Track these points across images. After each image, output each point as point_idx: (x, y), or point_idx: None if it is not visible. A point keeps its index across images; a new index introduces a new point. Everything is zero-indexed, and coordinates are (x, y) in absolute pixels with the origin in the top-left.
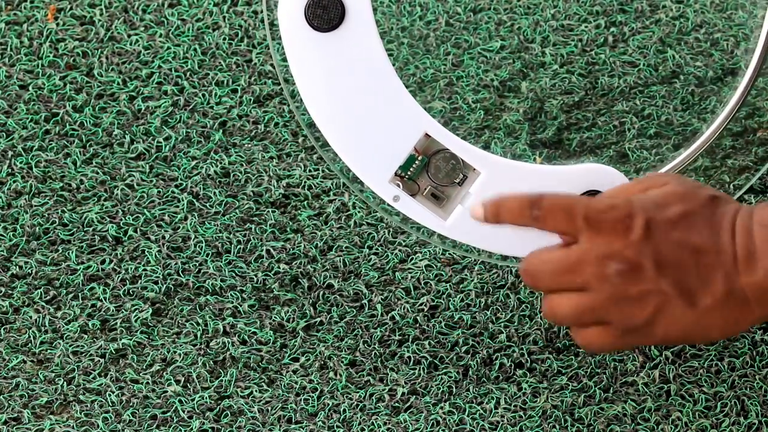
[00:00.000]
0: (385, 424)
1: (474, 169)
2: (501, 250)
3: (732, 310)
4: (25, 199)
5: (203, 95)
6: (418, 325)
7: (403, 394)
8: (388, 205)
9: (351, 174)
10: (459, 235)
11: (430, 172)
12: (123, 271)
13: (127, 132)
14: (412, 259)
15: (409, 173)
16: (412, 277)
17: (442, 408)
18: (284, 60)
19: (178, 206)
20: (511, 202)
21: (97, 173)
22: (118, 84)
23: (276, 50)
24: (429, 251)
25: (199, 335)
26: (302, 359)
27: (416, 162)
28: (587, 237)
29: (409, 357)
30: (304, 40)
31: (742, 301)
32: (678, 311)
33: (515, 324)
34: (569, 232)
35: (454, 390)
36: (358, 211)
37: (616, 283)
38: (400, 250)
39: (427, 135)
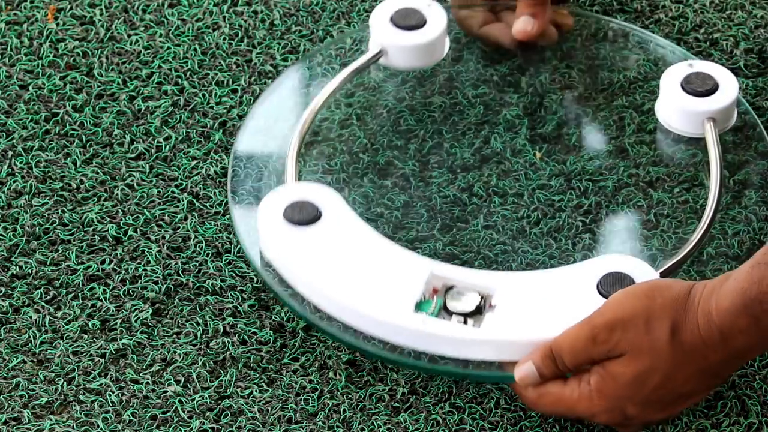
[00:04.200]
0: (385, 424)
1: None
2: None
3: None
4: (25, 199)
5: (203, 95)
6: None
7: (403, 394)
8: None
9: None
10: (496, 335)
11: (449, 306)
12: (123, 271)
13: (127, 132)
14: None
15: (429, 313)
16: None
17: (442, 408)
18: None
19: (178, 206)
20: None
21: (97, 173)
22: (118, 84)
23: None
24: (429, 249)
25: (199, 335)
26: (302, 359)
27: (432, 305)
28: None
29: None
30: (283, 236)
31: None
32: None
33: None
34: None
35: (454, 390)
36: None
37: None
38: None
39: (434, 275)
